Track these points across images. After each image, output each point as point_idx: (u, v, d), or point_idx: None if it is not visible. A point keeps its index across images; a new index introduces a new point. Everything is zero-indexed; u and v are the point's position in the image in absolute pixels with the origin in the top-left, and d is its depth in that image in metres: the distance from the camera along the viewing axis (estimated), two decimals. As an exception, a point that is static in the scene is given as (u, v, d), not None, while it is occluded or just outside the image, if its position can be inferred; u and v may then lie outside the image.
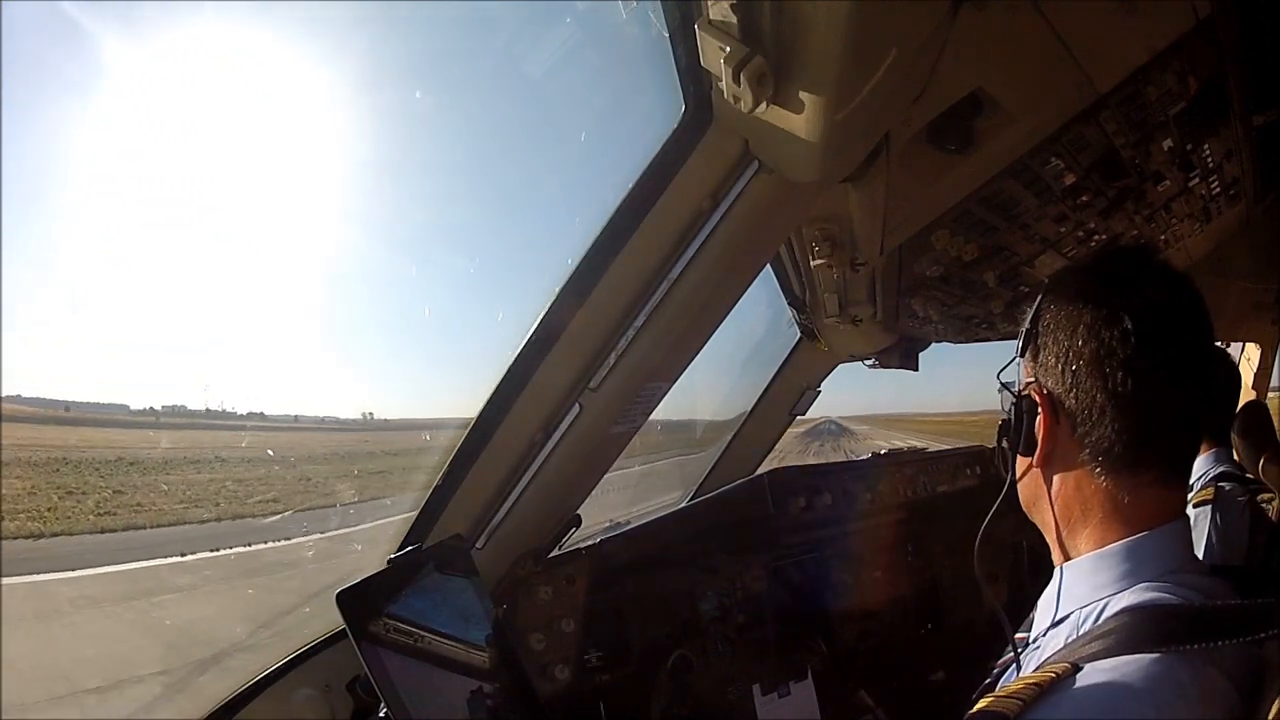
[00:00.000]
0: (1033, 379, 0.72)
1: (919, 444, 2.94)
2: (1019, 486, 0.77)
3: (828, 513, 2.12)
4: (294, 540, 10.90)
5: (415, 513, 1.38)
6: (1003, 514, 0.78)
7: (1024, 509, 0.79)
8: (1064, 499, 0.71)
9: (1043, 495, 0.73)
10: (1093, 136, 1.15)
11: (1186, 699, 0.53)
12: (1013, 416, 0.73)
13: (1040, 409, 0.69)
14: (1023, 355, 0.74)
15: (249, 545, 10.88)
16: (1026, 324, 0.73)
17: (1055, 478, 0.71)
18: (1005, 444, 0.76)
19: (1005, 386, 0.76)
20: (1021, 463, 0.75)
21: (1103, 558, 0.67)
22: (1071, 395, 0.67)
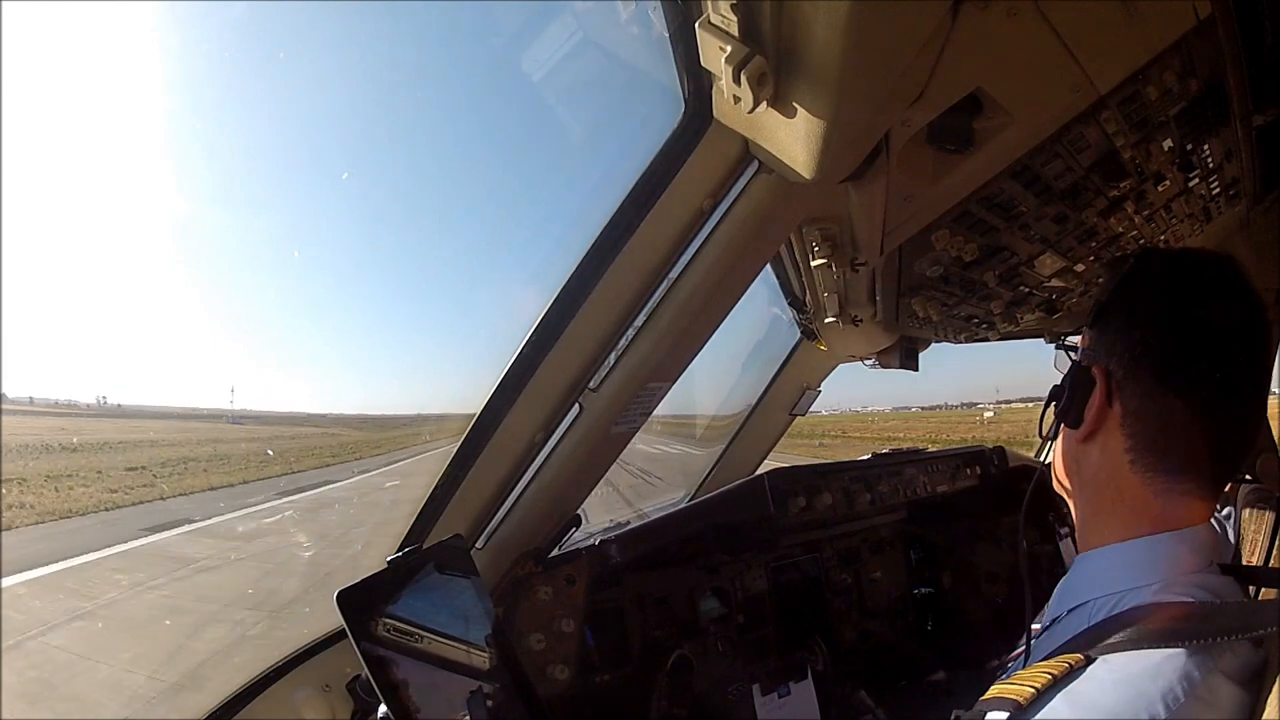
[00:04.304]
0: (1094, 354, 0.70)
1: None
2: (1056, 454, 0.77)
3: (828, 513, 2.12)
4: None
5: (415, 513, 1.38)
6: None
7: (1055, 476, 0.79)
8: (1097, 484, 0.70)
9: (1074, 471, 0.73)
10: (1093, 136, 1.15)
11: (1196, 697, 0.54)
12: (1068, 384, 0.71)
13: (1098, 387, 0.68)
14: (1092, 327, 0.72)
15: None
16: (1105, 295, 0.71)
17: (1092, 457, 0.70)
18: (1053, 409, 0.74)
19: (1070, 349, 0.74)
20: (1063, 431, 0.74)
21: (1124, 551, 0.67)
22: (1132, 385, 0.66)
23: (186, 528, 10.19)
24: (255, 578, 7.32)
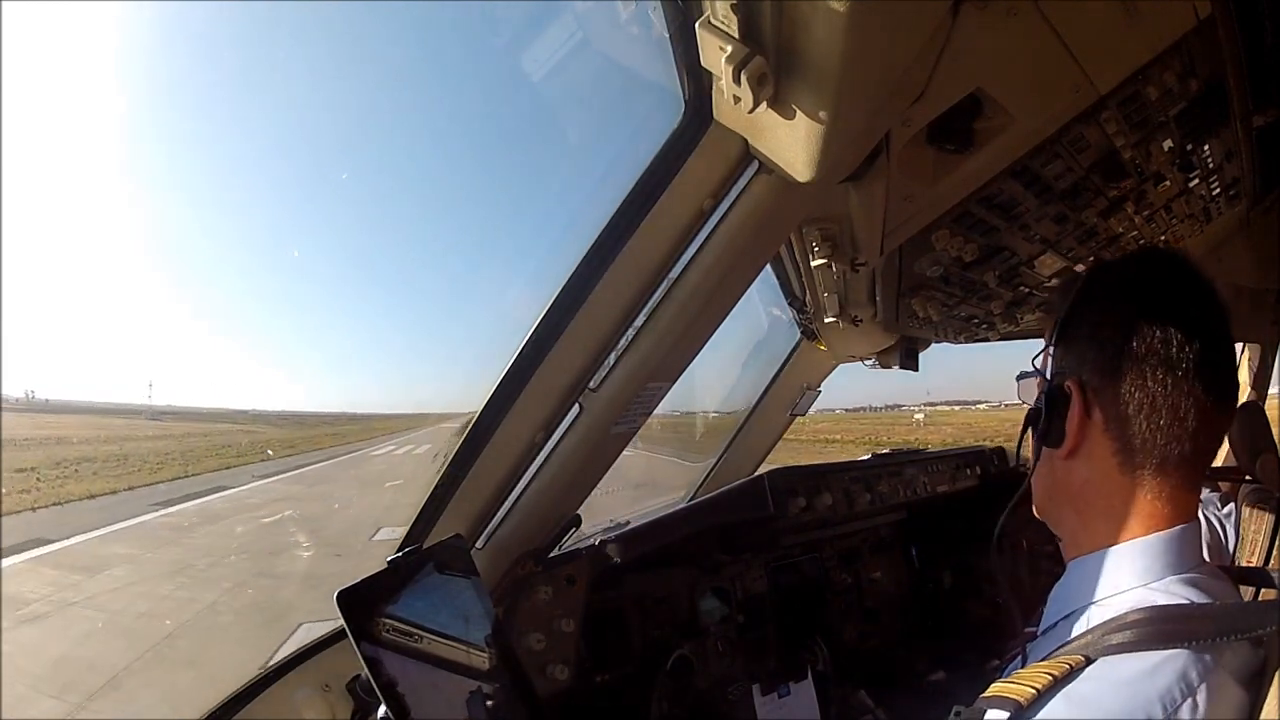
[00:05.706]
0: (1063, 370, 0.71)
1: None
2: (1037, 481, 0.77)
3: (828, 513, 2.12)
4: None
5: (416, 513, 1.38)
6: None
7: (1036, 501, 0.78)
8: (1087, 493, 0.70)
9: (1060, 488, 0.73)
10: (1093, 137, 1.15)
11: (1194, 698, 0.54)
12: (1043, 405, 0.71)
13: (1074, 401, 0.68)
14: (1056, 345, 0.73)
15: None
16: (1061, 313, 0.72)
17: (1079, 471, 0.70)
18: (1031, 434, 0.74)
19: (1039, 373, 0.75)
20: (1043, 454, 0.74)
21: (1118, 554, 0.67)
22: (1110, 390, 0.67)
23: (37, 551, 8.75)
24: (84, 633, 5.99)
